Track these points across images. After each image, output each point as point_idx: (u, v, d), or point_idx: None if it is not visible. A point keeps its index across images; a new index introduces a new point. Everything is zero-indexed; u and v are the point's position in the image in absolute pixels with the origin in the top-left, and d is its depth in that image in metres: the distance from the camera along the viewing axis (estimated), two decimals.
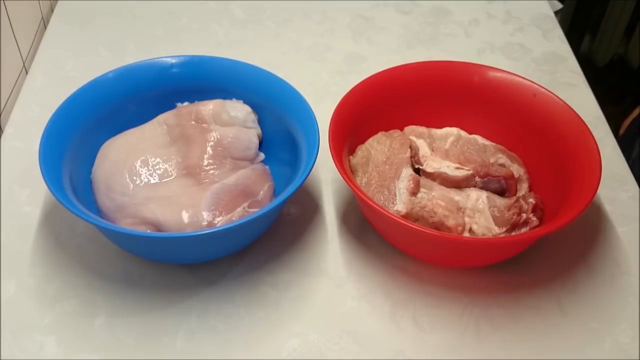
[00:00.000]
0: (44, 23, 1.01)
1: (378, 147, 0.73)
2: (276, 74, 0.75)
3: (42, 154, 0.65)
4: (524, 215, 0.68)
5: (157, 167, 0.71)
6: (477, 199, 0.69)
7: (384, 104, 0.76)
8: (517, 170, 0.74)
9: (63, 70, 0.91)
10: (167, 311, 0.66)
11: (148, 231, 0.66)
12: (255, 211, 0.66)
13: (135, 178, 0.70)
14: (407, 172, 0.70)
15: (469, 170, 0.72)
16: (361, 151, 0.73)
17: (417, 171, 0.73)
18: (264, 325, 0.65)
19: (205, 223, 0.65)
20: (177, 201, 0.67)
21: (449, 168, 0.72)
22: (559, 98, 0.74)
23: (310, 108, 0.71)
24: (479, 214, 0.68)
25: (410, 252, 0.69)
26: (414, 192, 0.68)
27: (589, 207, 0.62)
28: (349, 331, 0.65)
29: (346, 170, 0.68)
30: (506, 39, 1.00)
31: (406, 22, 1.02)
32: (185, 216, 0.66)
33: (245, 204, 0.68)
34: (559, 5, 1.23)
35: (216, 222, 0.66)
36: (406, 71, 0.77)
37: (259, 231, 0.69)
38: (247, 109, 0.75)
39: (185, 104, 0.77)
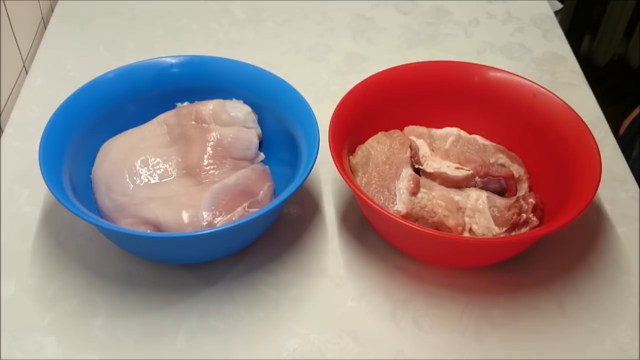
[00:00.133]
0: (44, 23, 1.01)
1: (378, 147, 0.73)
2: (276, 74, 0.75)
3: (42, 154, 0.65)
4: (524, 215, 0.68)
5: (157, 167, 0.71)
6: (477, 199, 0.69)
7: (384, 104, 0.76)
8: (517, 170, 0.74)
9: (63, 70, 0.91)
10: (167, 311, 0.66)
11: (148, 231, 0.66)
12: (255, 211, 0.66)
13: (135, 178, 0.70)
14: (407, 172, 0.70)
15: (469, 170, 0.72)
16: (361, 151, 0.73)
17: (417, 171, 0.73)
18: (264, 325, 0.65)
19: (205, 223, 0.65)
20: (177, 201, 0.67)
21: (449, 168, 0.72)
22: (559, 98, 0.74)
23: (310, 108, 0.71)
24: (479, 214, 0.68)
25: (410, 252, 0.69)
26: (414, 192, 0.68)
27: (589, 207, 0.62)
28: (349, 331, 0.65)
29: (346, 170, 0.68)
30: (506, 39, 1.00)
31: (406, 22, 1.02)
32: (185, 216, 0.66)
33: (245, 204, 0.68)
34: (559, 5, 1.23)
35: (216, 222, 0.66)
36: (406, 71, 0.77)
37: (259, 231, 0.69)
38: (247, 109, 0.75)
39: (185, 104, 0.77)
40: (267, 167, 0.74)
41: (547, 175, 0.73)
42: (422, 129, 0.77)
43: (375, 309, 0.66)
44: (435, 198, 0.68)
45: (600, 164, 0.66)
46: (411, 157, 0.72)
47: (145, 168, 0.71)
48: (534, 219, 0.68)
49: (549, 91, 0.74)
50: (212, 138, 0.73)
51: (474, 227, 0.68)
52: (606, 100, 1.00)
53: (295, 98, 0.73)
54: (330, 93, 0.88)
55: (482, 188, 0.71)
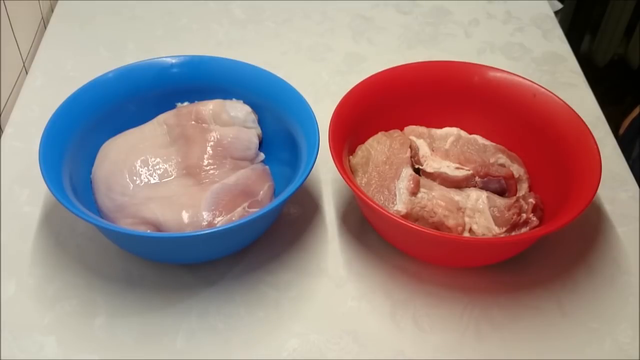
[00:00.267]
0: (44, 23, 1.01)
1: (378, 147, 0.73)
2: (276, 74, 0.75)
3: (42, 154, 0.65)
4: (524, 215, 0.68)
5: (157, 167, 0.71)
6: (477, 199, 0.69)
7: (384, 104, 0.76)
8: (517, 170, 0.74)
9: (63, 70, 0.91)
10: (167, 311, 0.66)
11: (148, 231, 0.66)
12: (255, 211, 0.66)
13: (135, 178, 0.70)
14: (407, 172, 0.70)
15: (469, 170, 0.72)
16: (361, 151, 0.73)
17: (417, 171, 0.73)
18: (264, 325, 0.65)
19: (205, 223, 0.65)
20: (177, 201, 0.67)
21: (449, 168, 0.72)
22: (559, 98, 0.74)
23: (310, 108, 0.71)
24: (479, 214, 0.68)
25: (410, 252, 0.69)
26: (414, 192, 0.68)
27: (589, 207, 0.62)
28: (349, 331, 0.65)
29: (346, 170, 0.68)
30: (506, 39, 1.00)
31: (406, 22, 1.02)
32: (185, 216, 0.66)
33: (245, 204, 0.68)
34: (559, 5, 1.23)
35: (216, 222, 0.66)
36: (406, 71, 0.77)
37: (259, 231, 0.69)
38: (247, 109, 0.75)
39: (185, 104, 0.77)
40: (267, 167, 0.74)
41: (547, 175, 0.73)
42: (422, 129, 0.77)
43: (375, 309, 0.66)
44: (435, 198, 0.68)
45: (600, 164, 0.66)
46: (411, 157, 0.72)
47: (145, 168, 0.71)
48: (534, 219, 0.68)
49: (549, 91, 0.74)
50: (212, 138, 0.73)
51: (474, 227, 0.68)
52: (606, 100, 1.00)
53: (295, 98, 0.73)
54: (330, 93, 0.88)
55: (482, 188, 0.71)
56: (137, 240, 0.66)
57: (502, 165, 0.74)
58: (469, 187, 0.72)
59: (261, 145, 0.76)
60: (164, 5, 1.03)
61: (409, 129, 0.77)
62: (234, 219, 0.66)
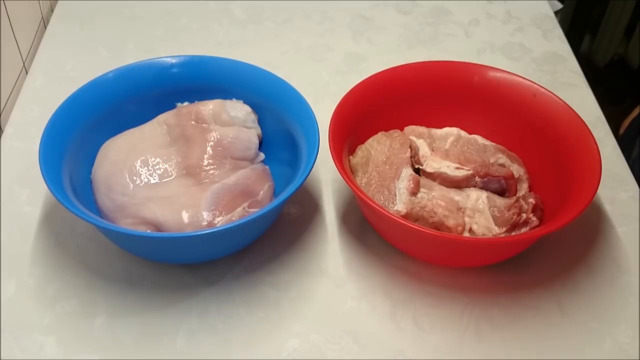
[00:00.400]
0: (44, 23, 1.01)
1: (378, 147, 0.73)
2: (276, 74, 0.75)
3: (42, 154, 0.65)
4: (524, 215, 0.68)
5: (157, 167, 0.71)
6: (477, 199, 0.69)
7: (384, 104, 0.76)
8: (517, 170, 0.74)
9: (63, 70, 0.91)
10: (167, 311, 0.66)
11: (148, 231, 0.66)
12: (255, 211, 0.66)
13: (135, 178, 0.70)
14: (407, 172, 0.70)
15: (469, 170, 0.72)
16: (361, 151, 0.73)
17: (417, 171, 0.73)
18: (264, 325, 0.65)
19: (205, 223, 0.65)
20: (177, 201, 0.67)
21: (449, 168, 0.72)
22: (559, 98, 0.74)
23: (310, 108, 0.71)
24: (479, 214, 0.68)
25: (410, 252, 0.69)
26: (414, 192, 0.68)
27: (589, 207, 0.62)
28: (349, 331, 0.65)
29: (346, 170, 0.68)
30: (506, 39, 1.00)
31: (406, 22, 1.02)
32: (185, 216, 0.66)
33: (245, 204, 0.68)
34: (559, 5, 1.23)
35: (216, 222, 0.66)
36: (406, 71, 0.77)
37: (259, 231, 0.69)
38: (247, 109, 0.75)
39: (185, 104, 0.77)
40: (267, 167, 0.74)
41: (547, 175, 0.73)
42: (422, 129, 0.77)
43: (375, 309, 0.66)
44: (435, 198, 0.68)
45: (600, 164, 0.66)
46: (411, 157, 0.72)
47: (145, 168, 0.71)
48: (534, 219, 0.68)
49: (549, 91, 0.74)
50: (212, 138, 0.73)
51: (474, 227, 0.68)
52: (606, 100, 1.00)
53: (295, 98, 0.73)
54: (330, 93, 0.88)
55: (482, 188, 0.71)
56: (137, 240, 0.66)
57: (502, 165, 0.74)
58: (469, 187, 0.72)
59: (261, 145, 0.76)
60: (164, 5, 1.03)
61: (409, 129, 0.77)
62: (234, 219, 0.66)
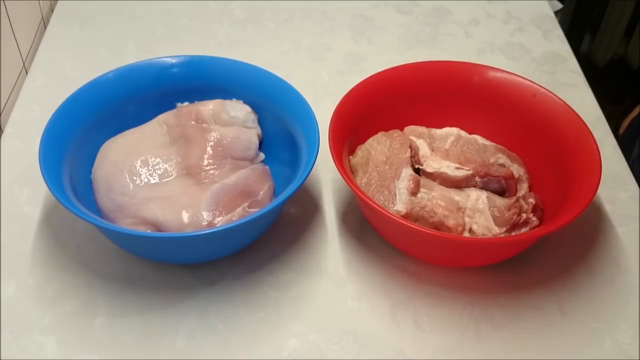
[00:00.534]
0: (44, 23, 1.01)
1: (378, 147, 0.73)
2: (276, 74, 0.75)
3: (42, 154, 0.65)
4: (524, 215, 0.68)
5: (157, 167, 0.71)
6: (477, 199, 0.69)
7: (384, 104, 0.76)
8: (517, 170, 0.74)
9: (63, 70, 0.91)
10: (167, 311, 0.66)
11: (148, 231, 0.66)
12: (255, 211, 0.66)
13: (135, 178, 0.70)
14: (407, 172, 0.70)
15: (469, 170, 0.72)
16: (361, 151, 0.73)
17: (417, 171, 0.73)
18: (264, 326, 0.65)
19: (205, 223, 0.65)
20: (177, 201, 0.67)
21: (449, 168, 0.72)
22: (559, 98, 0.74)
23: (310, 108, 0.71)
24: (479, 214, 0.68)
25: (410, 252, 0.69)
26: (414, 192, 0.68)
27: (589, 207, 0.62)
28: (349, 331, 0.65)
29: (346, 170, 0.68)
30: (506, 39, 1.00)
31: (406, 22, 1.02)
32: (185, 216, 0.66)
33: (245, 204, 0.68)
34: (559, 5, 1.23)
35: (216, 222, 0.66)
36: (406, 71, 0.77)
37: (259, 231, 0.69)
38: (247, 109, 0.75)
39: (185, 104, 0.77)
40: (267, 167, 0.74)
41: (547, 175, 0.73)
42: (422, 129, 0.77)
43: (375, 309, 0.66)
44: (435, 198, 0.68)
45: (600, 164, 0.66)
46: (411, 157, 0.72)
47: (145, 168, 0.71)
48: (534, 219, 0.68)
49: (549, 91, 0.74)
50: (212, 138, 0.73)
51: (474, 227, 0.68)
52: (606, 100, 1.00)
53: (295, 98, 0.73)
54: (330, 93, 0.88)
55: (482, 188, 0.71)
56: (137, 240, 0.66)
57: (502, 165, 0.74)
58: (469, 187, 0.72)
59: (261, 145, 0.76)
60: (164, 5, 1.03)
61: (409, 129, 0.77)
62: (234, 219, 0.66)
